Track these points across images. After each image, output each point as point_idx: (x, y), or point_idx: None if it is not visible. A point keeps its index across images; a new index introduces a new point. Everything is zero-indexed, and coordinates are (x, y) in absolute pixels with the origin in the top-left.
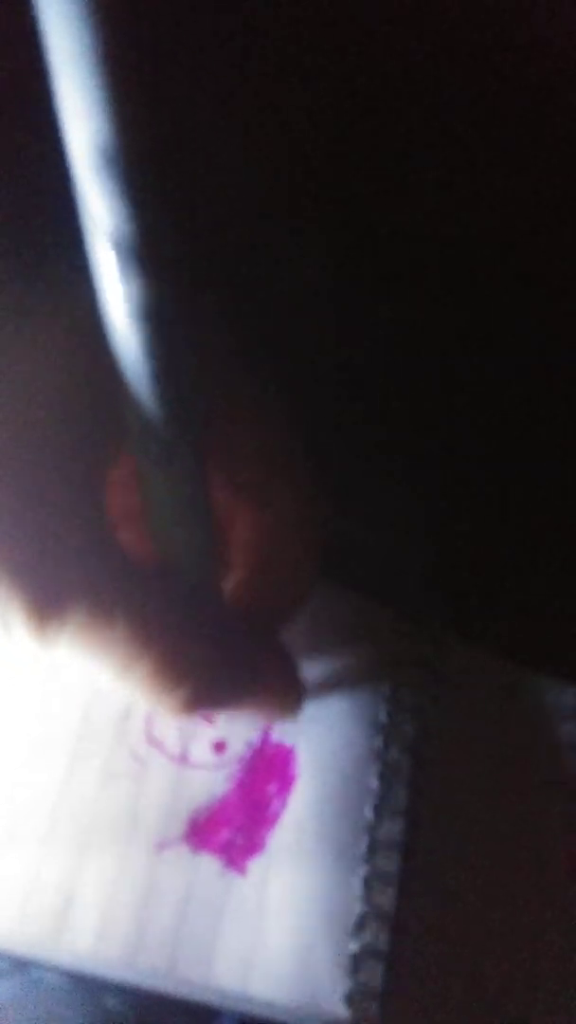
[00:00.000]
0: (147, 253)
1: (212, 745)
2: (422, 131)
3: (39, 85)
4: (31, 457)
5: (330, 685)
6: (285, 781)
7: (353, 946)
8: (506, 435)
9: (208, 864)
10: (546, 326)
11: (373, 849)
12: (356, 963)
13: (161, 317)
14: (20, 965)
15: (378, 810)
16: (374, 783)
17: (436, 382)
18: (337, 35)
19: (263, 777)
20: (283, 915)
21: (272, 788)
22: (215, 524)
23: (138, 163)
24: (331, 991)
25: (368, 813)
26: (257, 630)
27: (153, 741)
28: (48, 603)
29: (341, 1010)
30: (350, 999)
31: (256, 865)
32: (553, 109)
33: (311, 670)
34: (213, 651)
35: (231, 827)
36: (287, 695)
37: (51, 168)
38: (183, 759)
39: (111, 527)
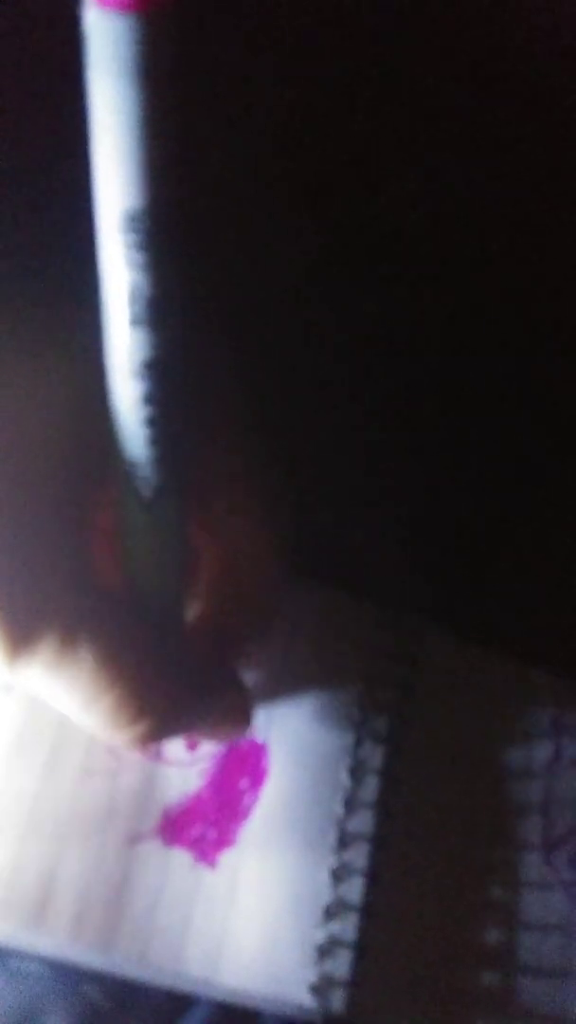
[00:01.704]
0: (160, 307)
1: (186, 743)
2: (419, 131)
3: (71, 147)
4: (16, 490)
5: (304, 680)
6: (257, 777)
7: (320, 936)
8: (482, 429)
9: (180, 857)
10: (539, 328)
11: (342, 841)
12: (322, 953)
13: (165, 368)
14: (0, 955)
15: (348, 803)
16: (345, 777)
17: (422, 380)
18: (334, 34)
19: (235, 773)
20: (252, 906)
21: (244, 783)
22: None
23: (162, 226)
24: (298, 980)
25: (338, 807)
26: (215, 661)
27: None
28: (21, 632)
29: (307, 998)
30: (316, 988)
31: (227, 858)
32: (551, 106)
33: (284, 664)
34: (174, 688)
35: (203, 822)
36: (236, 721)
37: (69, 223)
38: (158, 756)
39: (90, 556)
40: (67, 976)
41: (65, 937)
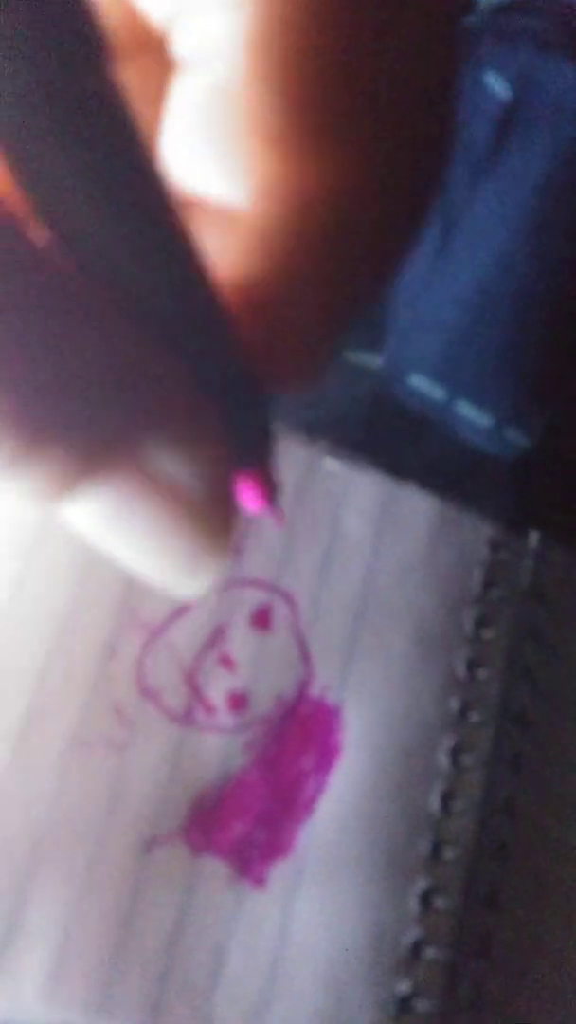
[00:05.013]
0: None
1: (228, 698)
2: None
3: None
4: None
5: (396, 617)
6: (326, 755)
7: (403, 987)
8: None
9: (213, 870)
10: None
11: (436, 853)
12: (403, 1009)
13: None
14: None
15: (446, 799)
16: (444, 761)
17: None
18: None
19: (296, 747)
20: (311, 944)
21: (307, 764)
22: None
23: None
24: None
25: (434, 803)
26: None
27: (146, 691)
28: None
29: None
30: None
31: (279, 874)
32: None
33: (369, 593)
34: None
35: (248, 819)
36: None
37: None
38: (187, 718)
39: None
40: None
41: (33, 998)
